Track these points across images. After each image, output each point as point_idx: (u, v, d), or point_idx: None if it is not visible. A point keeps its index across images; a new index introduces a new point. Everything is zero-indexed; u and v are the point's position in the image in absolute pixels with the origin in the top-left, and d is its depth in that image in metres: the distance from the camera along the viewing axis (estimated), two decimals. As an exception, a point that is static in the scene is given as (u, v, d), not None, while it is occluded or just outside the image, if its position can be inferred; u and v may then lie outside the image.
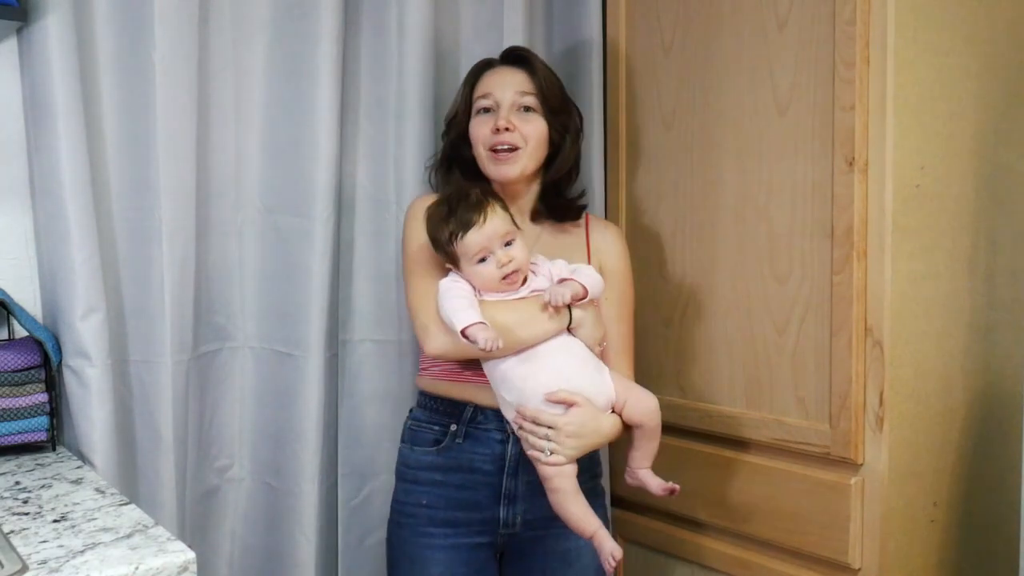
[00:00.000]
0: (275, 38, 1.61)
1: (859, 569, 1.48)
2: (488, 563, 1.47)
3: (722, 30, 1.65)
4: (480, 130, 1.46)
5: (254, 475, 1.66)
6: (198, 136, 1.52)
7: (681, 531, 1.74)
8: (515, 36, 1.80)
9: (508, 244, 1.34)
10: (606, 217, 1.93)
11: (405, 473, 1.49)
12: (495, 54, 1.59)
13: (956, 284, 1.54)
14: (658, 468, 1.61)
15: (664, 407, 1.76)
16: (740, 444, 1.64)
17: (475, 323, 1.27)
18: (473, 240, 1.32)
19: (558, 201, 1.54)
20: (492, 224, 1.33)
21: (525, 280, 1.38)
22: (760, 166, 1.59)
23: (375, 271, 1.72)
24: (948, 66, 1.50)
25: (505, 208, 1.37)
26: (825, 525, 1.50)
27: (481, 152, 1.47)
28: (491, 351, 1.25)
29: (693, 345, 1.72)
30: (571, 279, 1.35)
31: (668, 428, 1.75)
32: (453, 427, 1.44)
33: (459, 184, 1.47)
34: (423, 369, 1.50)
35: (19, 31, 1.38)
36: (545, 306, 1.32)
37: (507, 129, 1.43)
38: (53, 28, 1.33)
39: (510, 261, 1.33)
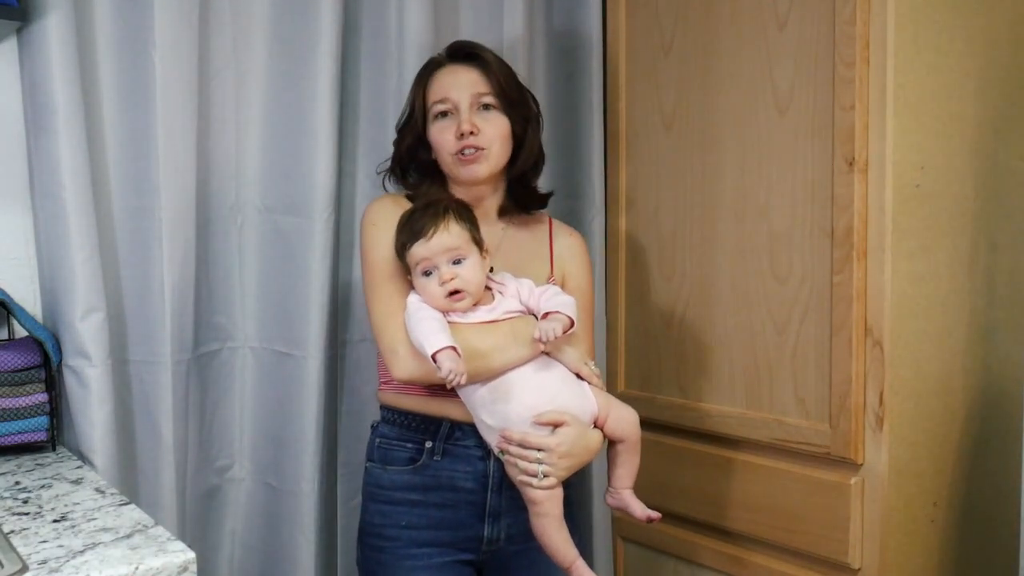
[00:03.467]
0: (275, 38, 1.61)
1: (859, 569, 1.48)
2: None
3: (722, 30, 1.65)
4: (443, 136, 1.40)
5: (254, 475, 1.66)
6: (198, 136, 1.52)
7: (681, 531, 1.74)
8: (515, 37, 1.80)
9: (457, 262, 1.28)
10: (605, 217, 1.93)
11: (378, 494, 1.40)
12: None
13: (956, 284, 1.54)
14: (659, 468, 1.61)
15: (664, 407, 1.77)
16: (740, 444, 1.64)
17: (445, 348, 1.22)
18: (417, 252, 1.28)
19: (524, 192, 1.49)
20: (440, 238, 1.28)
21: (483, 300, 1.32)
22: (760, 166, 1.59)
23: (375, 271, 1.72)
24: (948, 66, 1.50)
25: (467, 224, 1.31)
26: (825, 525, 1.50)
27: (447, 158, 1.41)
28: (453, 383, 1.21)
29: (693, 345, 1.72)
30: (557, 312, 1.30)
31: (668, 428, 1.76)
32: (429, 444, 1.37)
33: (437, 193, 1.42)
34: (384, 383, 1.43)
35: (19, 31, 1.38)
36: (535, 342, 1.27)
37: (471, 133, 1.37)
38: (53, 28, 1.33)
39: (452, 278, 1.27)
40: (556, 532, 1.29)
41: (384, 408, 1.44)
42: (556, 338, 1.26)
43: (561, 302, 1.32)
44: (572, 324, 1.29)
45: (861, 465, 1.47)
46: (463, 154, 1.39)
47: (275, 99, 1.61)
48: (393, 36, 1.69)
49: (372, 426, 1.46)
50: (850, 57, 1.44)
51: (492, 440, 1.31)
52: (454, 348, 1.22)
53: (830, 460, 1.50)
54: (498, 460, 1.34)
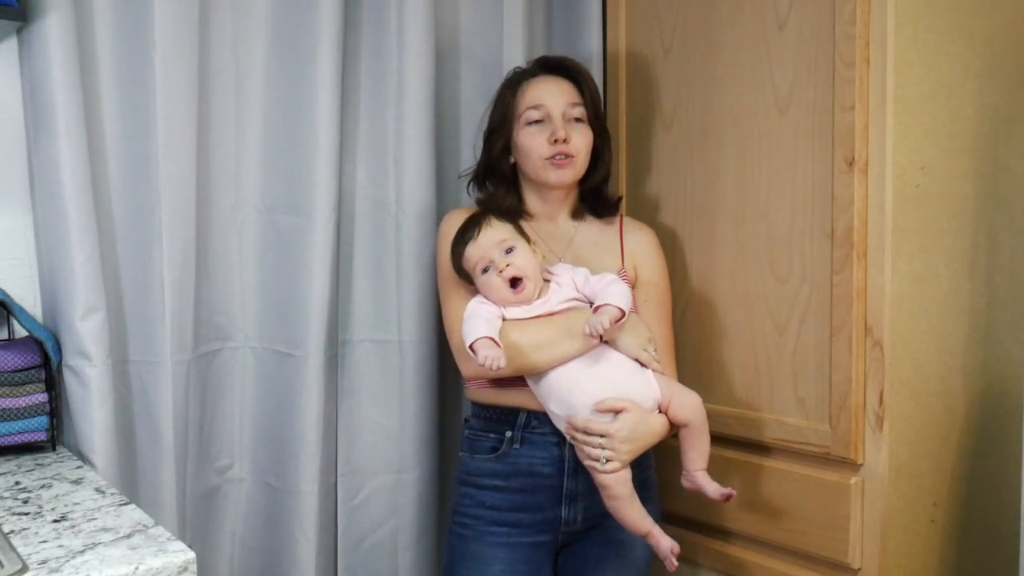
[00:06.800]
0: (275, 38, 1.61)
1: (859, 569, 1.48)
2: (546, 560, 1.50)
3: (722, 30, 1.65)
4: (535, 140, 1.49)
5: (254, 475, 1.66)
6: (198, 136, 1.52)
7: (680, 531, 1.73)
8: (515, 36, 1.80)
9: (508, 251, 1.38)
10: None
11: (467, 480, 1.52)
12: (495, 54, 1.59)
13: (956, 284, 1.54)
14: (658, 467, 1.61)
15: (664, 407, 1.76)
16: (740, 444, 1.64)
17: (480, 338, 1.30)
18: (471, 253, 1.39)
19: (596, 200, 1.59)
20: (486, 234, 1.39)
21: (540, 292, 1.40)
22: (760, 166, 1.59)
23: (375, 271, 1.72)
24: (948, 66, 1.50)
25: (509, 221, 1.42)
26: (825, 525, 1.50)
27: (537, 161, 1.50)
28: (490, 369, 1.28)
29: (693, 345, 1.72)
30: (607, 304, 1.34)
31: (668, 428, 1.76)
32: (509, 434, 1.46)
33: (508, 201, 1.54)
34: (468, 380, 1.52)
35: (19, 31, 1.38)
36: (586, 337, 1.33)
37: (565, 141, 1.47)
38: (53, 28, 1.33)
39: (508, 265, 1.37)
40: (629, 509, 1.37)
41: (472, 404, 1.54)
42: (605, 330, 1.32)
43: (613, 292, 1.37)
44: (623, 315, 1.34)
45: (861, 465, 1.47)
46: (555, 159, 1.47)
47: (275, 99, 1.61)
48: (394, 36, 1.69)
49: (464, 420, 1.57)
50: (850, 57, 1.44)
51: (562, 427, 1.39)
52: (490, 338, 1.31)
53: (830, 460, 1.50)
54: (572, 446, 1.40)
